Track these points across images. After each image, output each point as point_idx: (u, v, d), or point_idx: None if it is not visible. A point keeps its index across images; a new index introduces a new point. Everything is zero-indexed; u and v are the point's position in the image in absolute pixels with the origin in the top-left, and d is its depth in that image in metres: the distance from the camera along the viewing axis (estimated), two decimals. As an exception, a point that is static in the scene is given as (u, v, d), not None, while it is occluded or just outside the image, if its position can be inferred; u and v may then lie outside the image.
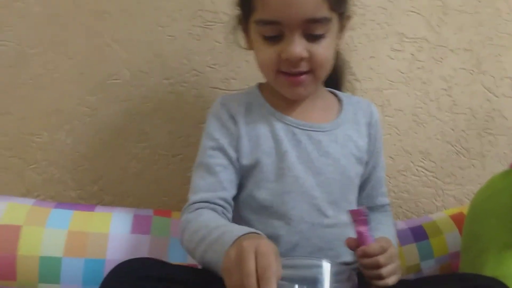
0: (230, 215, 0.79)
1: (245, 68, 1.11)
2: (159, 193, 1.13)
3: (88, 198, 1.11)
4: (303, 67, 0.76)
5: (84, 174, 1.11)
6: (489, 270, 0.82)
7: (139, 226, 0.93)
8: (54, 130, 1.08)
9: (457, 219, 1.01)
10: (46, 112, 1.07)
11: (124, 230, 0.92)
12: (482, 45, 1.21)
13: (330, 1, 0.74)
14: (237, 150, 0.81)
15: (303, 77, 0.77)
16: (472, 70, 1.21)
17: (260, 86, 0.88)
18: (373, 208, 0.90)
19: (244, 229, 0.64)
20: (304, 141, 0.81)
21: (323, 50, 0.75)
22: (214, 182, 0.78)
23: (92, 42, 1.06)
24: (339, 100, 0.89)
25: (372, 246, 0.68)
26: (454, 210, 1.05)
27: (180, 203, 1.11)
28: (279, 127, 0.81)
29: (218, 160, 0.80)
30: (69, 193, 1.10)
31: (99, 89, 1.08)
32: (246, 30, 0.83)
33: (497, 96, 1.23)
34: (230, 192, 0.79)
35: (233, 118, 0.82)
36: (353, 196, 0.86)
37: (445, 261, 0.98)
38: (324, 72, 0.79)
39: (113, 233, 0.91)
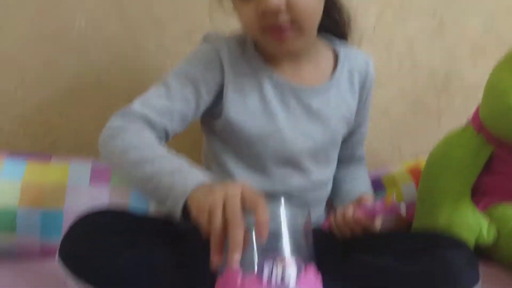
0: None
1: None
2: (118, 146, 1.10)
3: (42, 150, 1.06)
4: (283, 19, 0.68)
5: (37, 125, 1.06)
6: (444, 219, 0.86)
7: (98, 176, 0.90)
8: (3, 80, 1.01)
9: (414, 172, 1.05)
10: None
11: (82, 181, 0.88)
12: (445, 8, 1.23)
13: None
14: (219, 100, 0.75)
15: (287, 33, 0.69)
16: (434, 32, 1.23)
17: None
18: (351, 159, 0.91)
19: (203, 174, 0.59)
20: (293, 103, 0.77)
21: None
22: (167, 108, 0.71)
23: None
24: (336, 53, 0.83)
25: (375, 225, 0.72)
26: (411, 164, 1.09)
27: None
28: (268, 86, 0.76)
29: (184, 90, 0.73)
30: (21, 146, 1.05)
31: (54, 38, 1.02)
32: None
33: (455, 58, 1.26)
34: (176, 127, 0.72)
35: (221, 65, 0.75)
36: (335, 154, 0.85)
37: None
38: (310, 22, 0.71)
39: (71, 184, 0.87)
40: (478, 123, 0.90)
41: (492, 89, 0.86)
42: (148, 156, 0.62)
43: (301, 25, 0.70)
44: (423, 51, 1.24)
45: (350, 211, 0.72)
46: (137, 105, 0.71)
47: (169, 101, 0.71)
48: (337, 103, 0.80)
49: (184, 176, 0.58)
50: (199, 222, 0.53)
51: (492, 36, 1.26)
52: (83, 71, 1.05)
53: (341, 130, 0.83)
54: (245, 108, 0.75)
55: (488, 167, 0.90)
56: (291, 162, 0.78)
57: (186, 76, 0.74)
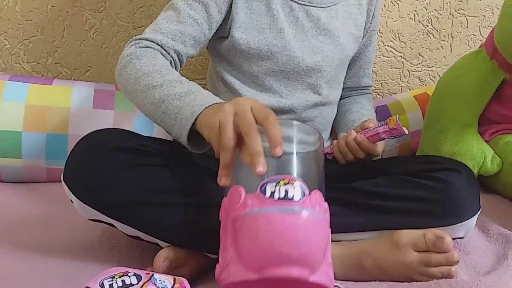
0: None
1: None
2: (121, 67, 1.08)
3: (43, 71, 1.05)
4: None
5: (38, 45, 1.03)
6: (448, 147, 0.86)
7: (102, 101, 0.89)
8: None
9: (421, 99, 1.03)
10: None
11: (86, 105, 0.88)
12: None
13: None
14: (228, 18, 0.74)
15: None
16: None
17: None
18: (356, 89, 0.90)
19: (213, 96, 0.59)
20: (301, 17, 0.76)
21: None
22: (178, 32, 0.71)
23: None
24: None
25: (378, 149, 0.71)
26: (419, 91, 1.07)
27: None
28: (276, 0, 0.75)
29: (194, 12, 0.72)
30: (22, 66, 1.04)
31: None
32: None
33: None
34: (188, 50, 0.72)
35: None
36: (343, 75, 0.84)
37: (405, 139, 1.01)
38: None
39: (75, 108, 0.87)
40: (491, 48, 0.87)
41: (509, 9, 0.82)
42: (158, 81, 0.61)
43: None
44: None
45: (352, 135, 0.72)
46: (148, 32, 0.71)
47: (180, 25, 0.71)
48: (344, 17, 0.79)
49: (193, 98, 0.57)
50: (210, 140, 0.52)
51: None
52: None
53: (350, 47, 0.82)
54: (252, 24, 0.74)
55: (498, 96, 0.88)
56: (300, 80, 0.77)
57: None
